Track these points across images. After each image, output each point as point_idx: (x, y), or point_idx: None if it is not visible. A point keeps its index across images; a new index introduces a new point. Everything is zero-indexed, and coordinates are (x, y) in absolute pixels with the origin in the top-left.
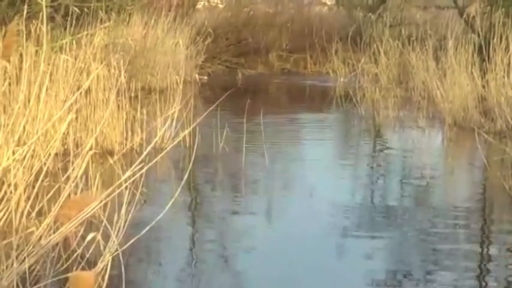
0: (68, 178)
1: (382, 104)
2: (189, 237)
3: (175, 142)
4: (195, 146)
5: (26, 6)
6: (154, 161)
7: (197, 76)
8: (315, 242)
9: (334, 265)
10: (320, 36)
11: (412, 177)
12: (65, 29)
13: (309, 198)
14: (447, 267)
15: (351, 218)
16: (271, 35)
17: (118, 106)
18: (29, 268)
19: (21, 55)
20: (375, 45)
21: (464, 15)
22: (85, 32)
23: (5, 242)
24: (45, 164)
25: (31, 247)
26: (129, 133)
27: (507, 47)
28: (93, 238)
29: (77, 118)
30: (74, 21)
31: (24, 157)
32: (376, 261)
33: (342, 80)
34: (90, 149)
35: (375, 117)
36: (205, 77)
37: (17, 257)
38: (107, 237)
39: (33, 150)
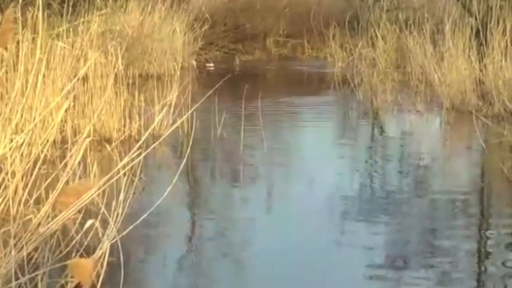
0: (65, 165)
1: (380, 88)
2: (188, 224)
3: (172, 128)
4: (193, 132)
5: None
6: (152, 148)
7: (206, 65)
8: (314, 228)
9: (334, 252)
10: (317, 21)
11: (410, 161)
12: (62, 16)
13: (307, 184)
14: (446, 252)
15: (349, 203)
16: (269, 20)
17: (115, 93)
18: (27, 256)
19: (17, 43)
20: (372, 30)
21: None
22: (82, 19)
23: (3, 229)
24: (42, 151)
25: (29, 235)
26: (127, 120)
27: (504, 30)
28: (92, 225)
29: (74, 105)
30: (70, 8)
31: (22, 145)
32: (375, 248)
33: (339, 64)
34: (88, 136)
35: (373, 102)
36: (212, 65)
37: (15, 245)
38: (105, 224)
39: (31, 138)
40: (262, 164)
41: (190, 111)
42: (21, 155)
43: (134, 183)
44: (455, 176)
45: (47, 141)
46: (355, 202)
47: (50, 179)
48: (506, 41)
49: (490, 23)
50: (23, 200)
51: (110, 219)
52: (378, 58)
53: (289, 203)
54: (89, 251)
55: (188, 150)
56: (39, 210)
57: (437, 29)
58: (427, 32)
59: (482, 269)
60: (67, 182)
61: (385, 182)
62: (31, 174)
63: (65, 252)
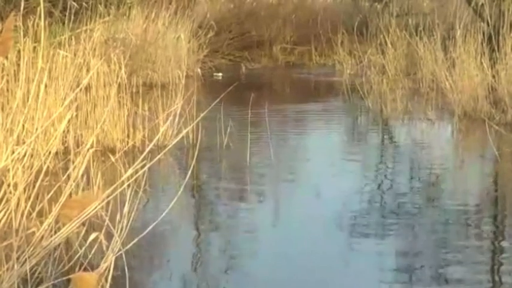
0: (68, 177)
1: (390, 96)
2: (193, 237)
3: (178, 139)
4: (199, 143)
5: (23, 1)
6: (156, 159)
7: (214, 74)
8: (322, 240)
9: (342, 266)
10: (325, 27)
11: (421, 170)
12: (64, 24)
13: (315, 195)
14: (459, 263)
15: (359, 214)
16: (275, 27)
17: (119, 103)
18: (30, 270)
19: (18, 51)
20: (381, 36)
21: (473, 4)
22: (84, 27)
23: (5, 243)
24: (45, 163)
25: (32, 248)
26: (131, 130)
27: None
28: (96, 238)
29: (77, 116)
30: (72, 16)
31: (24, 156)
32: (385, 259)
33: (348, 72)
34: (91, 147)
35: (383, 110)
36: (220, 74)
37: (17, 259)
38: (109, 237)
39: (33, 149)
40: (270, 174)
41: (195, 121)
42: (23, 166)
43: (139, 195)
44: (467, 186)
45: (50, 152)
46: (365, 215)
47: (52, 191)
48: None
49: (503, 28)
50: (25, 213)
51: (115, 232)
52: (387, 65)
53: (296, 216)
54: (93, 265)
55: (193, 161)
56: (42, 223)
57: (448, 34)
58: (437, 37)
59: (498, 285)
60: (70, 194)
61: (396, 193)
62: (33, 187)
63: (68, 266)
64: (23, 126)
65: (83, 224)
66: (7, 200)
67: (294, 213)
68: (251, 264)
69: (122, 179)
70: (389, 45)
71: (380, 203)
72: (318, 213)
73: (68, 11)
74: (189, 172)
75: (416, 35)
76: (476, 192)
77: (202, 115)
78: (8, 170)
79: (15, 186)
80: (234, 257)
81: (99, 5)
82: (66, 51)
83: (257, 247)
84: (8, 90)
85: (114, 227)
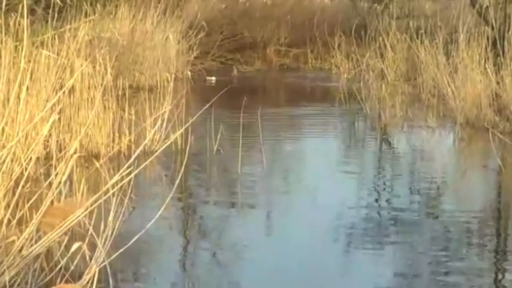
0: (50, 184)
1: (389, 102)
2: (181, 248)
3: (166, 144)
4: (188, 149)
5: None
6: (143, 165)
7: (206, 78)
8: (317, 257)
9: (339, 280)
10: (322, 29)
11: (421, 181)
12: (47, 22)
13: (309, 207)
14: (459, 281)
15: (355, 230)
16: (269, 28)
17: (104, 106)
18: (9, 281)
19: None
20: (380, 39)
21: (477, 6)
22: (68, 26)
23: None
24: (26, 168)
25: (11, 258)
26: (116, 135)
27: None
28: (78, 248)
29: (59, 119)
30: (56, 14)
31: (4, 161)
32: (383, 275)
33: (345, 76)
34: (75, 152)
35: (381, 117)
36: (214, 78)
37: None
38: (93, 247)
39: (13, 154)
40: (262, 184)
41: (185, 126)
42: (3, 172)
43: (124, 203)
44: (469, 197)
45: (31, 157)
46: (361, 229)
47: (33, 199)
48: None
49: (508, 32)
50: (4, 221)
51: (98, 242)
52: (386, 69)
53: (290, 231)
54: (75, 277)
55: (182, 168)
56: (22, 231)
57: (450, 38)
58: (439, 41)
59: None
60: (52, 202)
61: (394, 205)
62: (13, 193)
63: (49, 277)
64: (3, 129)
65: (65, 233)
66: None
67: (287, 228)
68: (242, 278)
69: (107, 186)
70: (389, 48)
71: (377, 216)
72: (312, 227)
73: (51, 8)
74: (178, 180)
75: (418, 38)
76: (479, 204)
77: (192, 120)
78: None
79: None
80: (224, 270)
81: (84, 3)
82: (49, 51)
83: (248, 261)
84: None
85: (98, 237)
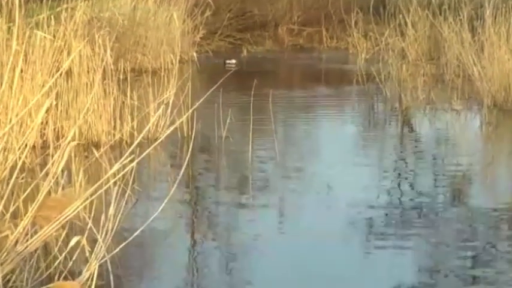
0: (47, 174)
1: (410, 83)
2: (187, 243)
3: (170, 130)
4: (194, 136)
5: None
6: (146, 153)
7: (226, 62)
8: (334, 247)
9: (357, 273)
10: (337, 6)
11: (445, 169)
12: (42, 1)
13: (325, 197)
14: (487, 275)
15: (376, 218)
16: (281, 5)
17: (104, 90)
18: (3, 278)
19: None
20: (400, 16)
21: None
22: (65, 5)
23: None
24: (20, 157)
25: (5, 254)
26: (118, 122)
27: None
28: (77, 243)
29: (56, 105)
30: None
31: None
32: (405, 269)
33: (363, 56)
34: (73, 140)
35: (402, 99)
36: (234, 62)
37: None
38: (93, 241)
39: (7, 142)
40: (274, 174)
41: (190, 111)
42: None
43: (126, 195)
44: (497, 186)
45: (26, 146)
46: (382, 220)
47: (29, 190)
48: None
49: None
50: None
51: (99, 236)
52: (407, 48)
53: (306, 226)
54: (74, 273)
55: (188, 156)
56: (16, 225)
57: (476, 13)
58: (464, 17)
59: None
60: (49, 193)
61: (417, 195)
62: (7, 184)
63: (46, 274)
64: None
65: (63, 226)
66: None
67: (303, 223)
68: (251, 279)
69: (107, 175)
70: (410, 26)
71: (399, 207)
72: (330, 221)
73: None
74: (183, 169)
75: (440, 14)
76: (507, 193)
77: (197, 104)
78: None
79: None
80: (233, 268)
81: None
82: (45, 32)
83: (258, 259)
84: None
85: (98, 231)
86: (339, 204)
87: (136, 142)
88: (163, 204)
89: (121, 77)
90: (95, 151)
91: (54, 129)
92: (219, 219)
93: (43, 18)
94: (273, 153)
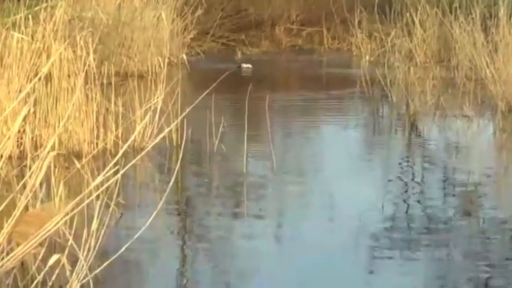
0: (24, 186)
1: (419, 87)
2: (175, 261)
3: (157, 139)
4: (184, 145)
5: None
6: (131, 164)
7: (242, 66)
8: (338, 268)
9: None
10: (339, 4)
11: (456, 180)
12: (19, 0)
13: (328, 212)
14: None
15: (382, 233)
16: (278, 3)
17: (86, 96)
18: None
19: None
20: (408, 14)
21: None
22: (44, 4)
23: None
24: None
25: None
26: (101, 130)
27: None
28: (57, 261)
29: (34, 112)
30: None
31: None
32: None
33: (367, 58)
34: (52, 149)
35: (409, 105)
36: (250, 66)
37: None
38: (74, 260)
39: None
40: (271, 187)
41: (179, 118)
42: None
43: (110, 209)
44: None
45: (1, 156)
46: (388, 234)
47: (4, 204)
48: None
49: None
50: None
51: (80, 254)
52: (415, 50)
53: (304, 246)
54: None
55: (177, 166)
56: None
57: (489, 12)
58: (476, 16)
59: None
60: (26, 208)
61: (426, 207)
62: None
63: None
64: None
65: (42, 243)
66: None
67: (303, 240)
68: None
69: (89, 188)
70: (418, 25)
71: (404, 219)
72: (333, 236)
73: None
74: (172, 181)
75: (451, 12)
76: None
77: (187, 110)
78: None
79: None
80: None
81: None
82: (22, 33)
83: (253, 278)
84: None
85: (79, 248)
86: (341, 218)
87: (121, 152)
88: (150, 220)
89: (105, 81)
90: (76, 162)
91: (32, 138)
92: (211, 235)
93: (20, 18)
94: (269, 165)
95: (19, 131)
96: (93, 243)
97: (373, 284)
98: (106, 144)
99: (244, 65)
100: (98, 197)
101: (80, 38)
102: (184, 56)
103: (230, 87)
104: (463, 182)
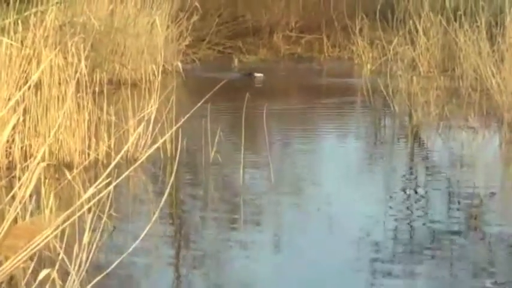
0: (13, 198)
1: (422, 97)
2: (169, 277)
3: (151, 150)
4: (178, 155)
5: None
6: (124, 175)
7: (255, 75)
8: (338, 282)
9: None
10: (340, 10)
11: (461, 193)
12: (8, 4)
13: (327, 225)
14: None
15: (383, 246)
16: (277, 9)
17: (78, 105)
18: None
19: None
20: (411, 22)
21: None
22: (34, 9)
23: None
24: None
25: None
26: (93, 140)
27: None
28: (47, 276)
29: (24, 121)
30: None
31: None
32: None
33: (368, 67)
34: (42, 160)
35: (412, 116)
36: (261, 75)
37: None
38: (64, 274)
39: None
40: (268, 200)
41: (174, 128)
42: None
43: (102, 222)
44: None
45: None
46: (389, 251)
47: None
48: None
49: None
50: None
51: (71, 269)
52: (418, 59)
53: (303, 254)
54: None
55: (172, 178)
56: None
57: (495, 21)
58: (482, 24)
59: None
60: (15, 220)
61: (428, 224)
62: None
63: None
64: None
65: (31, 257)
66: None
67: (303, 258)
68: None
69: (81, 200)
70: (421, 33)
71: (406, 237)
72: (331, 250)
73: None
74: (166, 193)
75: (455, 20)
76: None
77: (182, 120)
78: None
79: None
80: None
81: None
82: (11, 39)
83: None
84: None
85: (70, 262)
86: (341, 231)
87: (113, 163)
88: (143, 233)
89: (97, 89)
90: (67, 173)
91: (22, 148)
92: (206, 250)
93: (9, 23)
94: (267, 177)
95: (8, 141)
96: (84, 257)
97: None
98: (98, 154)
99: (257, 74)
100: (89, 209)
101: (71, 45)
102: (179, 64)
103: (227, 95)
104: (468, 196)
